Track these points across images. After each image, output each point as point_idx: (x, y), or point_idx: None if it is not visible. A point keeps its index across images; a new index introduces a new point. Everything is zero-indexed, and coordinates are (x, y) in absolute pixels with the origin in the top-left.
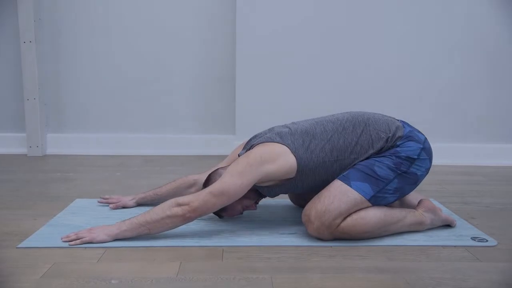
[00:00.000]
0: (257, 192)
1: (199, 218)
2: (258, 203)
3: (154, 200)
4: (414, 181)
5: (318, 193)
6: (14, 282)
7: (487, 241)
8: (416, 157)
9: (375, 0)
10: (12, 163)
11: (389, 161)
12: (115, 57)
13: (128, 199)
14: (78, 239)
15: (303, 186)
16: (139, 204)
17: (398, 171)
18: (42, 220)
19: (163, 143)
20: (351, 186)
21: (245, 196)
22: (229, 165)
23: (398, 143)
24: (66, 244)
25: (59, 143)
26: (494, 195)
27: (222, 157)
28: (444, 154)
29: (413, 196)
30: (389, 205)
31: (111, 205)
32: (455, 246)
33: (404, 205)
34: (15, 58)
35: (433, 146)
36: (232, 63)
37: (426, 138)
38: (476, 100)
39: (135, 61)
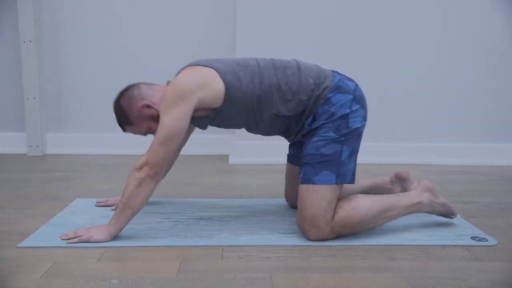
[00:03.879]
0: None
1: (198, 217)
2: None
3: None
4: (358, 135)
5: (298, 206)
6: (14, 282)
7: (487, 240)
8: (349, 111)
9: (374, 0)
10: (12, 163)
11: (329, 131)
12: (115, 57)
13: None
14: (76, 237)
15: (229, 119)
16: None
17: (342, 138)
18: (42, 219)
19: None
20: (315, 183)
21: (154, 119)
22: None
23: (328, 95)
24: (66, 244)
25: (59, 143)
26: (494, 194)
27: (222, 157)
28: (444, 154)
29: (410, 182)
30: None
31: (113, 207)
32: (455, 246)
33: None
34: (15, 57)
35: (433, 145)
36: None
37: (356, 85)
38: (476, 100)
39: (135, 60)
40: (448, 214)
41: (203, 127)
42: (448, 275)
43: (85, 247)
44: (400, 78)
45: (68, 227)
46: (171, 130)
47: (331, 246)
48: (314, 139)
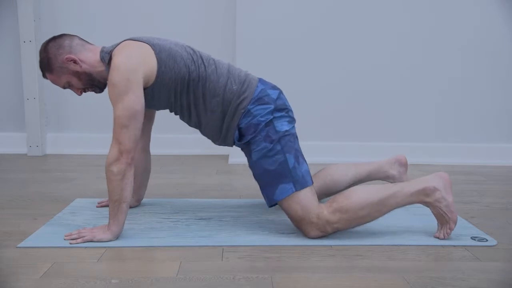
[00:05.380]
0: (89, 81)
1: (198, 217)
2: (85, 92)
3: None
4: (292, 136)
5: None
6: (14, 282)
7: (486, 240)
8: (271, 117)
9: None
10: (12, 163)
11: (260, 143)
12: None
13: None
14: (80, 237)
15: (159, 100)
16: (139, 201)
17: (278, 147)
18: (42, 219)
19: (163, 143)
20: (277, 199)
21: (76, 76)
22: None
23: (249, 107)
24: (66, 244)
25: (59, 143)
26: (494, 194)
27: (222, 157)
28: (445, 154)
29: (405, 171)
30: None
31: None
32: (455, 246)
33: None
34: (15, 58)
35: (434, 146)
36: (231, 62)
37: (279, 93)
38: (476, 100)
39: None
40: (445, 221)
41: None
42: (448, 275)
43: (85, 247)
44: (401, 78)
45: (68, 227)
46: (131, 112)
47: (331, 246)
48: (253, 157)
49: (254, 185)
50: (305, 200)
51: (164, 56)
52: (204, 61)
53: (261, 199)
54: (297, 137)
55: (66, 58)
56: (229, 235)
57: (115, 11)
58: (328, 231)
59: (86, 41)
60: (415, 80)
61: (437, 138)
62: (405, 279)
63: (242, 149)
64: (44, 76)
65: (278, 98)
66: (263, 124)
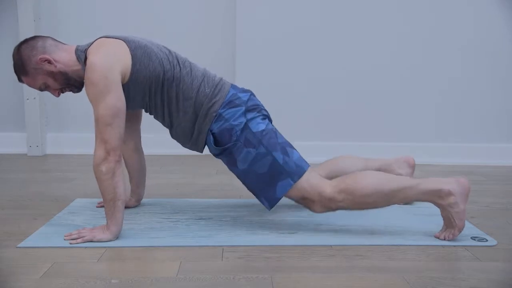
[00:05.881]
0: (65, 81)
1: (198, 217)
2: (63, 93)
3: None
4: (271, 132)
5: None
6: (14, 282)
7: (487, 240)
8: (245, 120)
9: None
10: (12, 163)
11: (242, 150)
12: None
13: (129, 200)
14: (80, 237)
15: (135, 98)
16: (139, 201)
17: (263, 149)
18: (42, 219)
19: (163, 143)
20: (280, 196)
21: (52, 76)
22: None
23: (220, 111)
24: (66, 244)
25: (59, 143)
26: (494, 194)
27: None
28: (445, 154)
29: (412, 173)
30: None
31: None
32: (455, 246)
33: None
34: None
35: (434, 146)
36: (231, 62)
37: (250, 95)
38: (476, 100)
39: None
40: (451, 225)
41: None
42: (448, 275)
43: (85, 247)
44: (401, 78)
45: (68, 227)
46: (114, 111)
47: (331, 246)
48: (240, 166)
49: None
50: (305, 185)
51: (139, 53)
52: (180, 62)
53: None
54: (276, 130)
55: (40, 59)
56: (229, 235)
57: (115, 11)
58: (332, 208)
59: (60, 41)
60: (415, 80)
61: (437, 138)
62: (405, 279)
63: (217, 156)
64: (19, 79)
65: (249, 99)
66: (238, 129)
